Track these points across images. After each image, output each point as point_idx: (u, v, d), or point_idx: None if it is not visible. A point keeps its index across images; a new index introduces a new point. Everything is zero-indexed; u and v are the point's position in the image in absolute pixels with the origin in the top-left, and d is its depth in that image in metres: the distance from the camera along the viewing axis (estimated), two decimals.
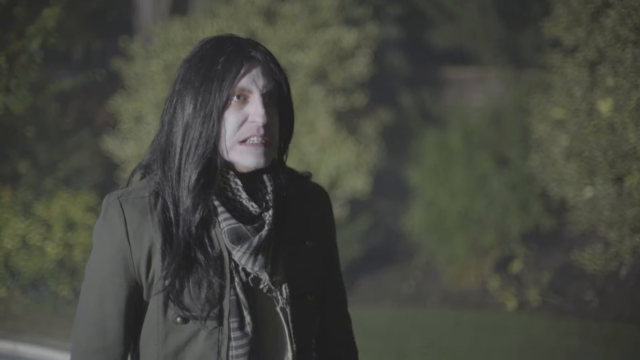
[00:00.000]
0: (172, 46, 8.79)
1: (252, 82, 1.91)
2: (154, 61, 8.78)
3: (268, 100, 1.93)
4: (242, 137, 1.91)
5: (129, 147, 8.66)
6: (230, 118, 1.91)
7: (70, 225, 7.78)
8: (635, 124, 5.58)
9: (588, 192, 5.93)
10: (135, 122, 8.82)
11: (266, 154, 1.92)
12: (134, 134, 8.75)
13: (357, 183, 8.58)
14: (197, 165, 1.90)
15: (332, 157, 8.52)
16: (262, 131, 1.90)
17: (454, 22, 11.15)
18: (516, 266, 8.31)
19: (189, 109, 1.91)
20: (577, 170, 5.95)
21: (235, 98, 1.91)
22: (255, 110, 1.90)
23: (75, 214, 7.76)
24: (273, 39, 8.62)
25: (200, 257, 1.91)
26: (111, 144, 8.81)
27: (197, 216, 1.90)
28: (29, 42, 7.35)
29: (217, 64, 1.91)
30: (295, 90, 8.41)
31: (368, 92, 9.11)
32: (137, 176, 2.05)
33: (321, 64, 8.76)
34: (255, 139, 1.90)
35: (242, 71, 1.91)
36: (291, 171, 2.08)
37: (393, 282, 9.15)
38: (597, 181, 5.86)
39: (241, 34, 8.91)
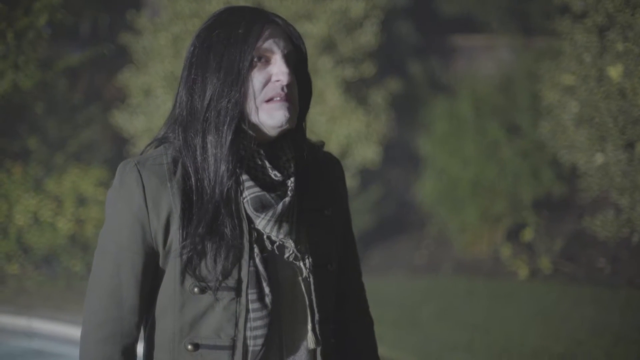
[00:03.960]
0: (180, 19, 8.76)
1: (274, 43, 1.92)
2: (162, 34, 8.76)
3: (288, 62, 1.94)
4: (267, 97, 1.90)
5: (139, 121, 8.66)
6: (255, 79, 1.90)
7: (81, 201, 7.81)
8: None
9: (599, 158, 5.90)
10: (144, 96, 8.81)
11: (291, 112, 1.92)
12: (143, 108, 8.74)
13: (368, 153, 8.57)
14: (229, 130, 1.89)
15: (342, 127, 8.50)
16: (286, 90, 1.91)
17: None
18: (528, 234, 8.30)
19: (213, 75, 1.90)
20: (587, 136, 5.92)
21: (257, 60, 1.91)
22: (278, 69, 1.91)
23: (86, 189, 7.78)
24: (280, 10, 8.58)
25: (225, 226, 1.89)
26: (120, 119, 8.80)
27: (230, 182, 1.89)
28: (36, 18, 7.35)
29: (238, 27, 1.91)
30: None
31: (377, 61, 9.07)
32: (152, 147, 2.01)
33: (329, 34, 8.73)
34: (279, 98, 1.90)
35: (265, 33, 1.91)
36: (306, 140, 2.07)
37: (405, 251, 9.16)
38: (608, 147, 5.83)
39: (249, 4, 8.86)
